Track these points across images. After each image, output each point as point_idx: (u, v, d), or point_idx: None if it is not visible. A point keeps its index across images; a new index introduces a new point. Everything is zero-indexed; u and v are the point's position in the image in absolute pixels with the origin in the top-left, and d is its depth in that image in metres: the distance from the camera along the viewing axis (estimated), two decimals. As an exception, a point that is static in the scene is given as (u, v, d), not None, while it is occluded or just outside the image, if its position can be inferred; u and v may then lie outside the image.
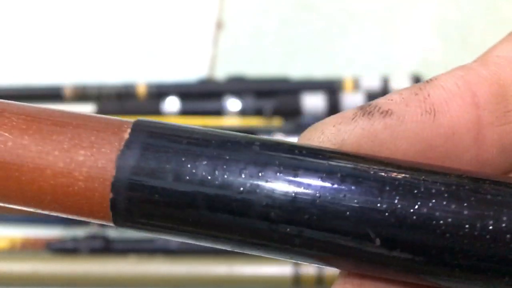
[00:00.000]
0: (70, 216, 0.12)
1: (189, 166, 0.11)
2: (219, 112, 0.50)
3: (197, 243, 0.13)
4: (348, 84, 0.51)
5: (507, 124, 0.10)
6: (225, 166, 0.12)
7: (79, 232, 0.44)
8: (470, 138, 0.10)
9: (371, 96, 0.49)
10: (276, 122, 0.49)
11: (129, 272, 0.41)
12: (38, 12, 0.60)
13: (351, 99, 0.49)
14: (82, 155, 0.11)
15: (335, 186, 0.10)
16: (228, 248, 0.13)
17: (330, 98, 0.49)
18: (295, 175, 0.11)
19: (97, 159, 0.11)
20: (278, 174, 0.11)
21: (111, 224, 0.12)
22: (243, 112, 0.49)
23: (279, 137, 0.47)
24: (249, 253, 0.13)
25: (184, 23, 0.59)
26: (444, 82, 0.11)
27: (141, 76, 0.54)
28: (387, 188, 0.10)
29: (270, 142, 0.13)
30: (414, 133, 0.10)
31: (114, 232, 0.45)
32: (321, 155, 0.11)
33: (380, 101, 0.11)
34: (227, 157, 0.12)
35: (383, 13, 0.58)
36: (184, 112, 0.50)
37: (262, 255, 0.13)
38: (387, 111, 0.11)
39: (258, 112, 0.49)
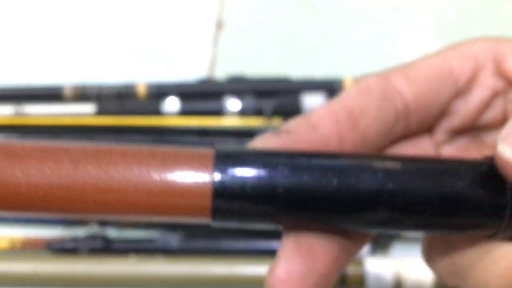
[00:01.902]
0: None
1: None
2: (219, 112, 0.50)
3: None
4: (348, 84, 0.51)
5: (357, 131, 0.18)
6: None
7: (79, 232, 0.44)
8: (336, 140, 0.18)
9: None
10: (276, 122, 0.49)
11: (129, 272, 0.41)
12: (38, 12, 0.60)
13: (351, 99, 0.49)
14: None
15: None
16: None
17: (330, 98, 0.49)
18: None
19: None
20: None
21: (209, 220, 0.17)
22: (243, 112, 0.49)
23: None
24: None
25: (184, 23, 0.59)
26: (318, 110, 0.18)
27: (141, 76, 0.54)
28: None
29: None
30: (305, 141, 0.18)
31: (114, 232, 0.45)
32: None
33: (286, 125, 0.18)
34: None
35: (383, 13, 0.58)
36: (184, 112, 0.50)
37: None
38: (288, 130, 0.18)
39: (258, 112, 0.49)
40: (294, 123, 0.18)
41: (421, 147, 0.19)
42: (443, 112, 0.19)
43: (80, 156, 0.15)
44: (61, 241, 0.43)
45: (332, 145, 0.17)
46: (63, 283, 0.42)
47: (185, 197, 0.15)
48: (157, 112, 0.50)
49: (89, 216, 0.16)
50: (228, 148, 0.17)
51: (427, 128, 0.19)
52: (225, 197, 0.16)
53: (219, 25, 0.58)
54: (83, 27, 0.59)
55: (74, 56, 0.57)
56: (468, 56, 0.19)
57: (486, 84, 0.19)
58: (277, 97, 0.50)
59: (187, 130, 0.49)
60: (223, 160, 0.16)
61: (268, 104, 0.50)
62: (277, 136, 0.18)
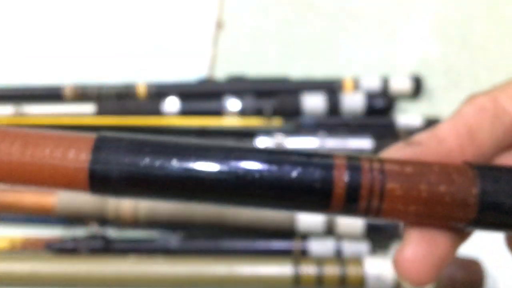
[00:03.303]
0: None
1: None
2: (219, 112, 0.50)
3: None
4: (348, 84, 0.51)
5: (475, 145, 0.21)
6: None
7: (79, 232, 0.44)
8: (458, 152, 0.21)
9: (371, 96, 0.49)
10: (276, 122, 0.49)
11: (129, 272, 0.41)
12: (38, 12, 0.60)
13: (351, 99, 0.49)
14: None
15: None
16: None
17: (330, 98, 0.49)
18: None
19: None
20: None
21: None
22: (243, 112, 0.49)
23: (279, 137, 0.47)
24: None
25: (184, 23, 0.59)
26: (442, 125, 0.21)
27: (141, 76, 0.54)
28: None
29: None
30: (433, 152, 0.20)
31: (114, 232, 0.45)
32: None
33: (416, 137, 0.21)
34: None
35: (383, 13, 0.58)
36: (184, 112, 0.50)
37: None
38: (419, 142, 0.20)
39: (258, 112, 0.49)
40: (423, 136, 0.21)
41: None
42: None
43: None
44: (61, 241, 0.43)
45: (454, 157, 0.21)
46: (63, 283, 0.42)
47: (67, 174, 0.19)
48: (157, 112, 0.50)
49: None
50: (108, 134, 0.20)
51: None
52: (98, 178, 0.19)
53: (219, 25, 0.58)
54: (83, 27, 0.59)
55: (74, 56, 0.57)
56: None
57: None
58: (277, 97, 0.50)
59: (187, 130, 0.49)
60: (100, 145, 0.19)
61: (268, 104, 0.50)
62: (409, 147, 0.21)
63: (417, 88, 0.51)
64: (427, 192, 0.19)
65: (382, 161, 0.19)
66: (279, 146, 0.46)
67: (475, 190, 0.19)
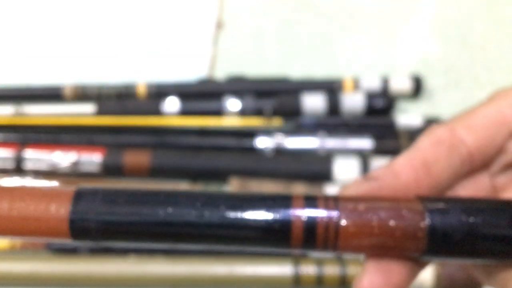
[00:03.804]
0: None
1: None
2: (219, 112, 0.50)
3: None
4: (348, 84, 0.51)
5: (431, 178, 0.22)
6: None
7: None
8: (414, 186, 0.22)
9: (371, 96, 0.49)
10: (276, 122, 0.49)
11: (129, 272, 0.41)
12: (38, 12, 0.61)
13: (351, 99, 0.49)
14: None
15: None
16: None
17: (330, 98, 0.49)
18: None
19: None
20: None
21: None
22: (243, 112, 0.49)
23: (279, 137, 0.47)
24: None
25: (184, 23, 0.59)
26: (399, 160, 0.22)
27: (141, 76, 0.54)
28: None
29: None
30: (389, 187, 0.21)
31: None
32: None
33: (373, 173, 0.22)
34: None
35: (383, 13, 0.58)
36: (184, 112, 0.50)
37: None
38: (375, 177, 0.21)
39: (258, 112, 0.49)
40: (379, 171, 0.22)
41: (479, 180, 0.23)
42: (499, 151, 0.23)
43: None
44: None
45: (410, 190, 0.21)
46: (63, 283, 0.42)
47: (49, 224, 0.20)
48: (157, 112, 0.50)
49: None
50: (85, 188, 0.21)
51: (485, 165, 0.23)
52: (78, 228, 0.20)
53: (219, 25, 0.58)
54: (83, 27, 0.59)
55: (74, 56, 0.57)
56: None
57: None
58: (277, 97, 0.50)
59: (187, 130, 0.49)
60: (78, 198, 0.20)
61: (268, 104, 0.50)
62: (366, 182, 0.21)
63: (417, 88, 0.51)
64: (378, 228, 0.20)
65: (337, 200, 0.20)
66: (279, 146, 0.46)
67: (423, 224, 0.20)
